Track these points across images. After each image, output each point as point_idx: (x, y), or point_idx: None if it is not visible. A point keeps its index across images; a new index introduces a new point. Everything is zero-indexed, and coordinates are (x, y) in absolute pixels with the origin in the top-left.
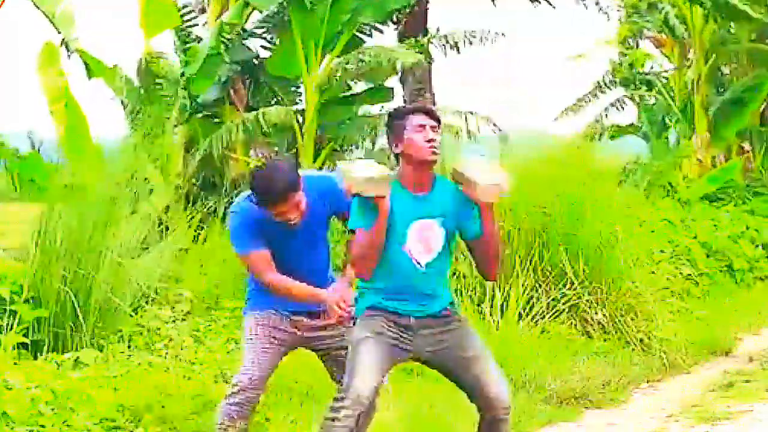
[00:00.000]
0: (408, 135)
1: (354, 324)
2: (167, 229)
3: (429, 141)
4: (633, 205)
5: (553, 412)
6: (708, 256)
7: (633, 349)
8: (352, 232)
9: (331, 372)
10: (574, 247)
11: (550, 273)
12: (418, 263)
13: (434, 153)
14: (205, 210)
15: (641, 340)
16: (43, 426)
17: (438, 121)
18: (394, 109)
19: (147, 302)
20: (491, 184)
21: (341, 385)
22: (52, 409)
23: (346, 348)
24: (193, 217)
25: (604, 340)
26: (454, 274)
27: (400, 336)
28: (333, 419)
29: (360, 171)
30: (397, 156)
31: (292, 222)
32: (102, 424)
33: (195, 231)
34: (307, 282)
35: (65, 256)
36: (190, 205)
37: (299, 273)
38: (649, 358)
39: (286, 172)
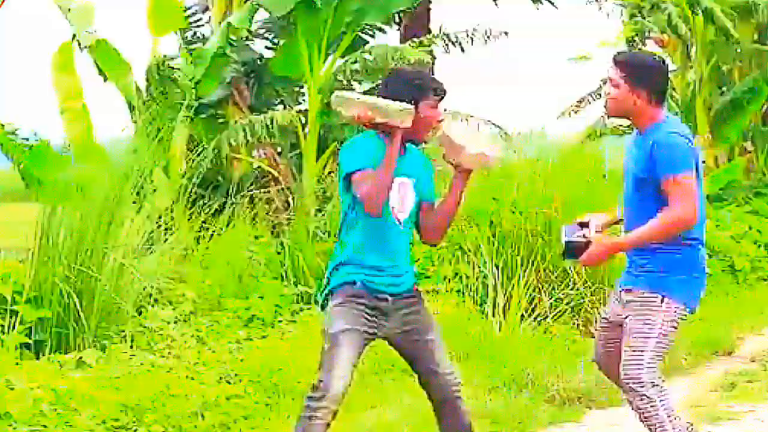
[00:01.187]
0: (421, 111)
1: (329, 299)
2: (170, 229)
3: (440, 120)
4: None
5: (556, 413)
6: (710, 257)
7: None
8: (348, 177)
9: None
10: None
11: (553, 273)
12: (398, 220)
13: (431, 133)
14: (208, 210)
15: None
16: (45, 426)
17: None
18: (411, 76)
19: (150, 303)
20: (478, 152)
21: (319, 380)
22: (55, 410)
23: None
24: (196, 218)
25: None
26: (456, 274)
27: (375, 321)
28: (310, 417)
29: (381, 102)
30: None
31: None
32: (105, 424)
33: (198, 231)
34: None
35: (68, 256)
36: (193, 205)
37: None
38: None
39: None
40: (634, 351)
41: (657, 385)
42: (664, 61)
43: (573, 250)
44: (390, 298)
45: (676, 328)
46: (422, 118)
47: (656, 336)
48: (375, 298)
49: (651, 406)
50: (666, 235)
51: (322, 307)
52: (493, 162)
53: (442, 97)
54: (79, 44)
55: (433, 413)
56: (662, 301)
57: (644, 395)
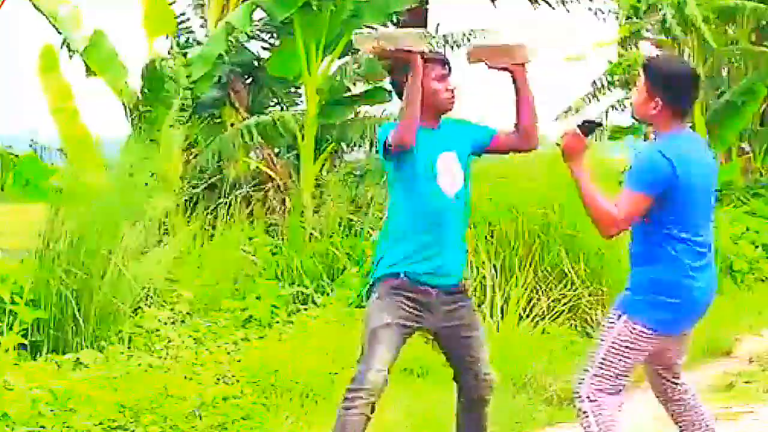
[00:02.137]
0: (428, 83)
1: (372, 289)
2: (167, 230)
3: (450, 91)
4: None
5: (554, 413)
6: None
7: None
8: (389, 156)
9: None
10: (574, 247)
11: (551, 274)
12: (450, 195)
13: (453, 103)
14: (205, 212)
15: None
16: (43, 427)
17: (451, 70)
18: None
19: (147, 304)
20: (520, 43)
21: (356, 374)
22: (53, 410)
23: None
24: (193, 219)
25: None
26: None
27: (416, 314)
28: (348, 408)
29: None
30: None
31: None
32: (102, 424)
33: (194, 232)
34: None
35: (66, 258)
36: (190, 206)
37: None
38: None
39: None
40: (586, 365)
41: (594, 401)
42: (692, 73)
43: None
44: (433, 292)
45: (634, 349)
46: (434, 91)
47: (604, 352)
48: (418, 291)
49: (587, 423)
50: (592, 214)
51: (367, 297)
52: (533, 50)
53: (449, 69)
54: (69, 48)
55: (455, 410)
56: (618, 317)
57: (580, 408)
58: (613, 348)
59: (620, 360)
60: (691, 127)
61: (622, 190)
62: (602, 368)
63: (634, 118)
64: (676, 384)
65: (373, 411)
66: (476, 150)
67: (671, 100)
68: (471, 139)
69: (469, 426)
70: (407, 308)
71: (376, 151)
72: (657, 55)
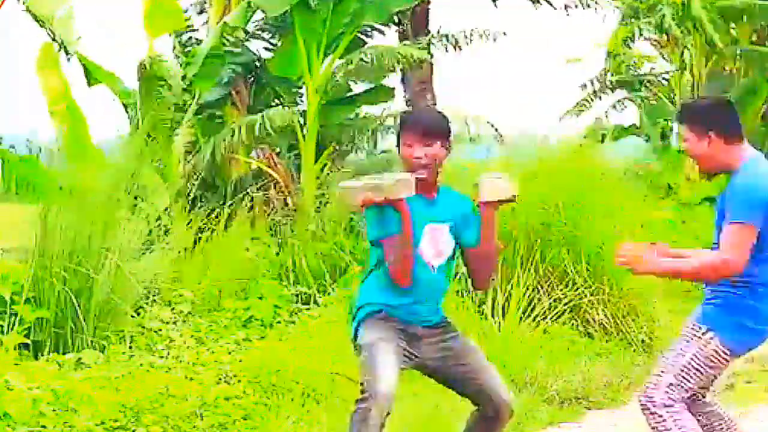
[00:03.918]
0: (401, 149)
1: (358, 324)
2: (169, 229)
3: (416, 158)
4: (634, 206)
5: (555, 413)
6: None
7: (635, 350)
8: (373, 243)
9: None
10: (575, 247)
11: (552, 273)
12: (432, 266)
13: (422, 167)
14: (206, 211)
15: (643, 341)
16: (44, 426)
17: (436, 134)
18: (402, 115)
19: (148, 303)
20: (493, 180)
21: (364, 387)
22: (54, 410)
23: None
24: (194, 218)
25: (606, 341)
26: (456, 275)
27: (409, 341)
28: (364, 419)
29: (380, 179)
30: None
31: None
32: (103, 424)
33: (197, 232)
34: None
35: (66, 257)
36: (191, 206)
37: None
38: (651, 358)
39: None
40: (658, 371)
41: (669, 407)
42: (723, 100)
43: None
44: (420, 327)
45: (712, 367)
46: (404, 155)
47: (685, 364)
48: (405, 323)
49: (661, 422)
50: (701, 276)
51: (354, 337)
52: (508, 191)
53: (419, 133)
54: (67, 52)
55: (470, 418)
56: (704, 333)
57: (655, 413)
58: (694, 361)
59: (699, 375)
60: None
61: (725, 225)
62: (679, 378)
63: (703, 172)
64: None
65: (387, 419)
66: (459, 240)
67: (720, 129)
68: (462, 227)
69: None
70: (400, 333)
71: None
72: (683, 104)
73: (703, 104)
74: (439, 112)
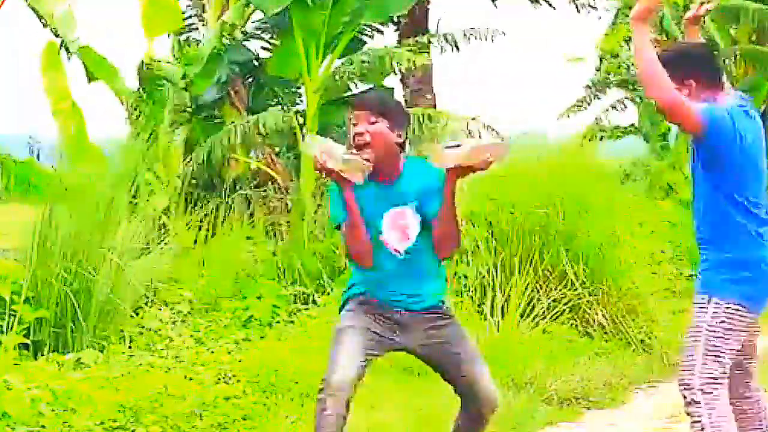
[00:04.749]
0: (347, 128)
1: (341, 307)
2: (168, 230)
3: (357, 134)
4: (634, 206)
5: (554, 413)
6: None
7: (634, 350)
8: (338, 227)
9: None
10: (574, 247)
11: (551, 273)
12: (397, 251)
13: (366, 145)
14: (204, 211)
15: (642, 341)
16: (44, 427)
17: (380, 111)
18: (351, 97)
19: (147, 303)
20: (451, 147)
21: (325, 374)
22: (53, 410)
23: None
24: (193, 218)
25: (605, 341)
26: (455, 275)
27: (389, 328)
28: (321, 410)
29: (338, 150)
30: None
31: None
32: (103, 424)
33: (195, 232)
34: None
35: (65, 257)
36: (190, 206)
37: None
38: (650, 358)
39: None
40: (685, 356)
41: (709, 393)
42: (700, 45)
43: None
44: (404, 312)
45: (732, 329)
46: (351, 139)
47: (705, 339)
48: (387, 310)
49: (697, 413)
50: (649, 73)
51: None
52: (496, 150)
53: (364, 109)
54: (68, 50)
55: (458, 413)
56: (708, 301)
57: (692, 400)
58: (711, 331)
59: (723, 342)
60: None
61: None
62: (708, 355)
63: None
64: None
65: (348, 410)
66: (421, 211)
67: (701, 75)
68: (427, 198)
69: (465, 428)
70: (378, 319)
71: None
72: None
73: (679, 51)
74: (392, 96)
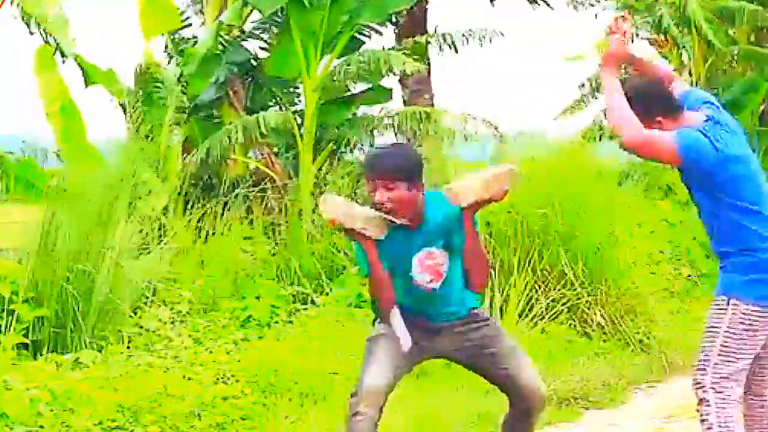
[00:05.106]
0: (370, 193)
1: (374, 320)
2: (166, 230)
3: (377, 203)
4: (632, 206)
5: (553, 413)
6: (708, 257)
7: (633, 350)
8: (366, 276)
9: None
10: (573, 247)
11: (550, 273)
12: (432, 289)
13: (389, 211)
14: (203, 211)
15: (641, 341)
16: (42, 427)
17: (397, 177)
18: (365, 156)
19: (146, 303)
20: (460, 184)
21: (357, 380)
22: (52, 410)
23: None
24: (191, 218)
25: (604, 341)
26: None
27: (424, 336)
28: (354, 415)
29: (357, 209)
30: None
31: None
32: (101, 424)
33: (193, 232)
34: None
35: (65, 257)
36: (188, 206)
37: None
38: (649, 358)
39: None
40: (701, 356)
41: (719, 392)
42: (651, 81)
43: None
44: (435, 323)
45: (751, 330)
46: (372, 199)
47: (722, 339)
48: (419, 318)
49: (707, 411)
50: (616, 116)
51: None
52: (507, 178)
53: (380, 176)
54: (63, 54)
55: (504, 417)
56: (726, 302)
57: (703, 399)
58: (730, 334)
59: (740, 343)
60: None
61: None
62: (722, 355)
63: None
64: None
65: (380, 414)
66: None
67: (667, 109)
68: (451, 233)
69: (514, 428)
70: (414, 328)
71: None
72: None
73: (641, 92)
74: (404, 151)
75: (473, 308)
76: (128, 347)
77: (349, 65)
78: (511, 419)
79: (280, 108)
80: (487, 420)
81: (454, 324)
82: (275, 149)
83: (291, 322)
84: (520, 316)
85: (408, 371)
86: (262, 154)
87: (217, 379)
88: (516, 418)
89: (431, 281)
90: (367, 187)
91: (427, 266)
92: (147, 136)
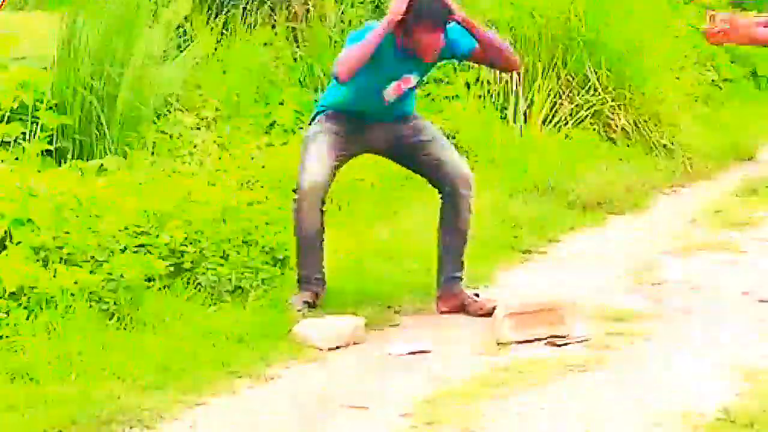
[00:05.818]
0: (418, 35)
1: (312, 121)
2: (190, 36)
3: (434, 49)
4: (657, 11)
5: (577, 218)
6: (732, 62)
7: (656, 155)
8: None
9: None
10: (597, 53)
11: (574, 79)
12: (388, 102)
13: (433, 57)
14: (225, 18)
15: (664, 146)
16: (68, 232)
17: (445, 23)
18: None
19: (170, 111)
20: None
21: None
22: (77, 216)
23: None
24: (214, 24)
25: (628, 146)
26: (477, 80)
27: (355, 130)
28: (296, 211)
29: None
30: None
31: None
32: (127, 230)
33: (217, 38)
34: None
35: (88, 63)
36: (211, 12)
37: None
38: (673, 163)
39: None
40: None
41: None
42: None
43: None
44: (373, 121)
45: None
46: (420, 42)
47: None
48: (356, 117)
49: None
50: None
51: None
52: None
53: (439, 23)
54: None
55: (440, 211)
56: None
57: None
58: None
59: None
60: None
61: None
62: None
63: None
64: None
65: (323, 206)
66: (460, 58)
67: None
68: (452, 50)
69: (445, 221)
70: (343, 124)
71: None
72: None
73: None
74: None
75: (408, 113)
76: (152, 153)
77: None
78: (441, 212)
79: None
80: (509, 223)
81: (386, 123)
82: None
83: None
84: (544, 121)
85: (341, 166)
86: None
87: (242, 184)
88: (444, 206)
89: (392, 96)
90: (420, 33)
91: (398, 86)
92: None
